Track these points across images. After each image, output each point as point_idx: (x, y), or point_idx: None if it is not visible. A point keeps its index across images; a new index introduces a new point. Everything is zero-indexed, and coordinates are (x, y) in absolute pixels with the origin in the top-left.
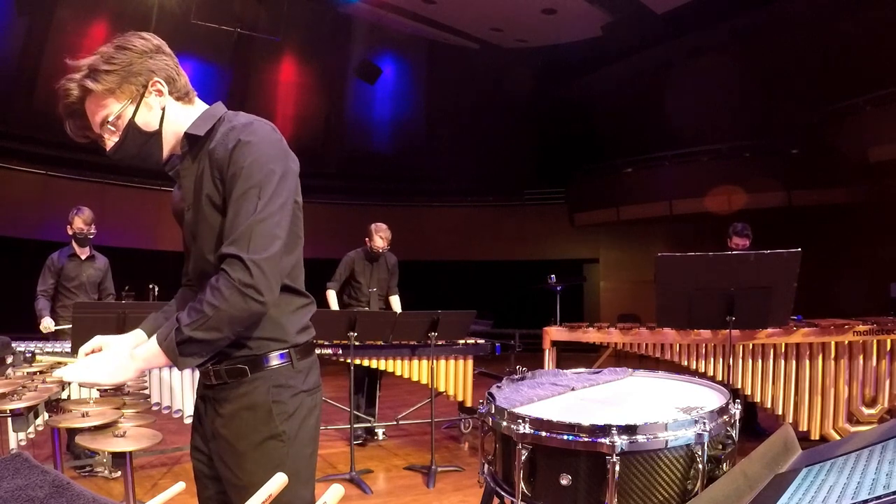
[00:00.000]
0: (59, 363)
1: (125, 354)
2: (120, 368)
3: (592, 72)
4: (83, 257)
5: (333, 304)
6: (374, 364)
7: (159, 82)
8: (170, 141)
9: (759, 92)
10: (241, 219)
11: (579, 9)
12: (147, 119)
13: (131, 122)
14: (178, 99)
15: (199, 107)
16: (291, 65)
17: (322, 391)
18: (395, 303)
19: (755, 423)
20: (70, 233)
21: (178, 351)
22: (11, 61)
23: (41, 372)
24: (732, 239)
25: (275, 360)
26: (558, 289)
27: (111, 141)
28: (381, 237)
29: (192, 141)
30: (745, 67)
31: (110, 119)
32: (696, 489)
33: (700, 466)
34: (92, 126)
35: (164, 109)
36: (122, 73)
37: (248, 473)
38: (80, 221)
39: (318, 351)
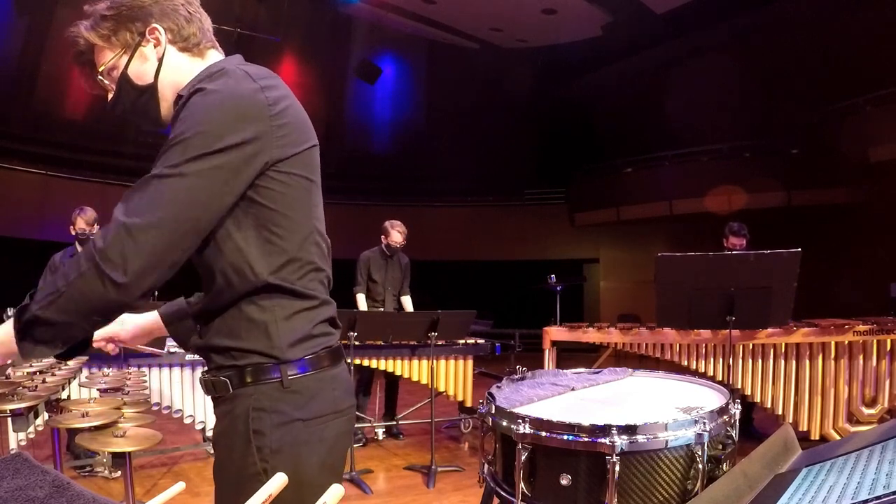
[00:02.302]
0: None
1: None
2: None
3: (592, 72)
4: None
5: (363, 306)
6: (374, 364)
7: (157, 29)
8: (169, 97)
9: (759, 92)
10: (153, 169)
11: (579, 9)
12: (140, 71)
13: (123, 74)
14: (183, 50)
15: (211, 60)
16: (291, 65)
17: (348, 420)
18: (408, 303)
19: (751, 427)
20: (73, 233)
21: (22, 334)
22: (11, 61)
23: (41, 372)
24: (729, 239)
25: (260, 374)
26: (558, 289)
27: (111, 95)
28: (398, 232)
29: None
30: (745, 67)
31: (102, 70)
32: (696, 489)
33: (700, 466)
34: None
35: (160, 61)
36: (118, 19)
37: None
38: (83, 222)
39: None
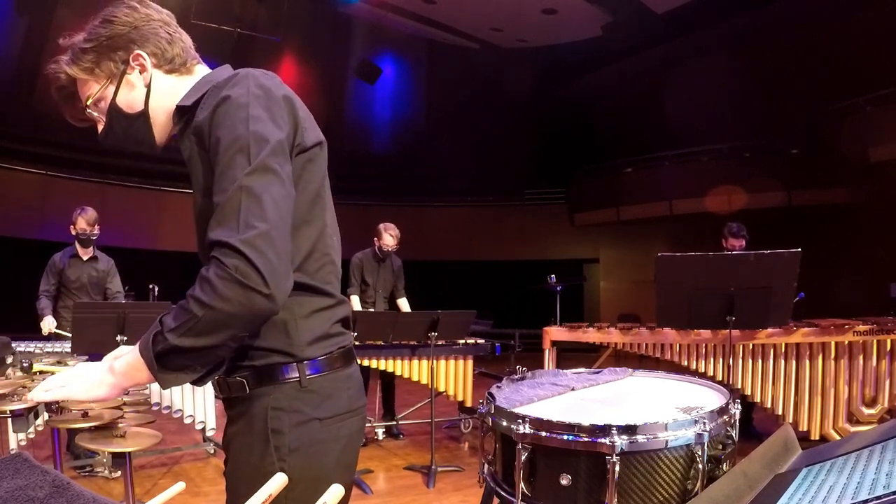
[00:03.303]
0: (54, 372)
1: (104, 367)
2: (96, 384)
3: (592, 72)
4: (85, 258)
5: (357, 307)
6: (374, 364)
7: (142, 56)
8: (161, 121)
9: (759, 92)
10: (227, 184)
11: (579, 9)
12: (129, 99)
13: (112, 104)
14: (170, 72)
15: (199, 75)
16: (291, 65)
17: (361, 419)
18: (405, 305)
19: (751, 427)
20: (73, 233)
21: (159, 364)
22: (11, 61)
23: (41, 372)
24: (728, 240)
25: (278, 374)
26: (558, 289)
27: (100, 125)
28: (390, 235)
29: (181, 114)
30: (745, 67)
31: (89, 102)
32: (696, 489)
33: (700, 466)
34: None
35: (149, 87)
36: (99, 50)
37: None
38: (84, 222)
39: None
